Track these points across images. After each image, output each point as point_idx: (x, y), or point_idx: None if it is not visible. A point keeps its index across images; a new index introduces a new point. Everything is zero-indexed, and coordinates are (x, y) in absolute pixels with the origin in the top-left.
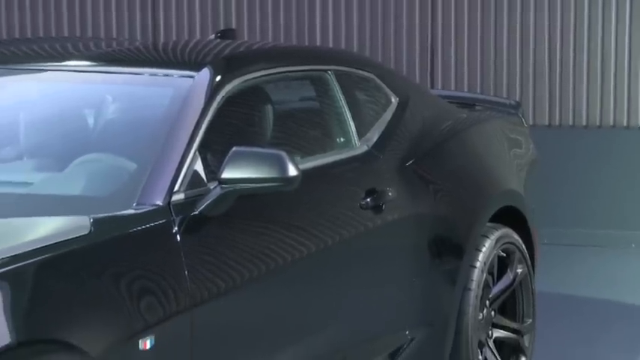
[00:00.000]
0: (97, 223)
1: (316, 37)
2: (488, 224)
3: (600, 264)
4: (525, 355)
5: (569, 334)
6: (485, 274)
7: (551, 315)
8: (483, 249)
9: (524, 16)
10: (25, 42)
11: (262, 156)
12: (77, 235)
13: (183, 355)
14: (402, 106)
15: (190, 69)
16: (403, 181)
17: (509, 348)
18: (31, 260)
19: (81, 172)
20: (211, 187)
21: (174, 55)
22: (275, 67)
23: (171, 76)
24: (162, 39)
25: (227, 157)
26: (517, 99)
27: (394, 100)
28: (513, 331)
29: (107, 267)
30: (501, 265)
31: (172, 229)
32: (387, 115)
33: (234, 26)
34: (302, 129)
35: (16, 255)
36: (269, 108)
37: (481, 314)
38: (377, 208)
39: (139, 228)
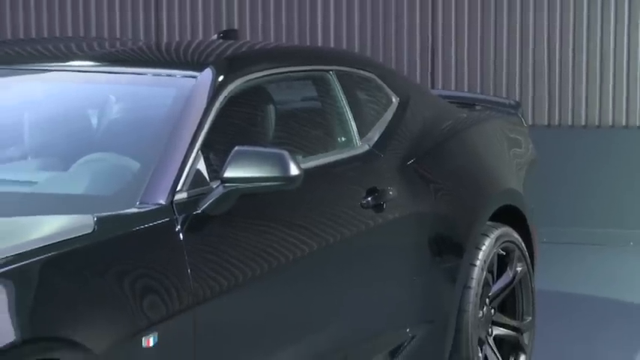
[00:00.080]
0: (100, 221)
1: (318, 37)
2: (488, 223)
3: (599, 262)
4: (525, 353)
5: (568, 331)
6: (485, 273)
7: (551, 313)
8: (483, 247)
9: (524, 17)
10: (29, 42)
11: (264, 155)
12: (81, 234)
13: (187, 352)
14: (402, 106)
15: (193, 69)
16: (404, 180)
17: (508, 345)
18: (35, 258)
19: (85, 172)
20: (214, 186)
21: (177, 55)
22: (277, 68)
23: (174, 76)
24: (165, 39)
25: (229, 157)
26: (517, 99)
27: (395, 99)
28: (513, 328)
29: (110, 265)
30: (501, 263)
31: (175, 227)
32: (388, 114)
33: (236, 26)
34: (304, 129)
35: (20, 253)
36: (271, 108)
37: (481, 312)
38: (378, 207)
39: (142, 227)
